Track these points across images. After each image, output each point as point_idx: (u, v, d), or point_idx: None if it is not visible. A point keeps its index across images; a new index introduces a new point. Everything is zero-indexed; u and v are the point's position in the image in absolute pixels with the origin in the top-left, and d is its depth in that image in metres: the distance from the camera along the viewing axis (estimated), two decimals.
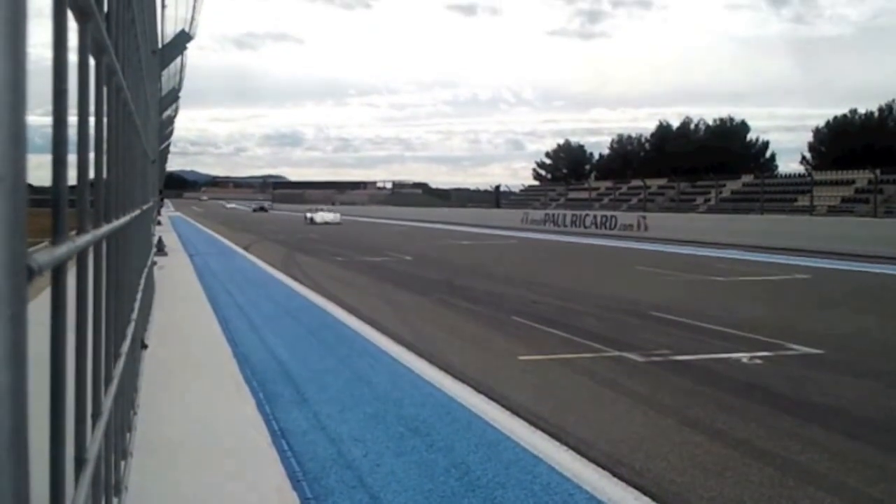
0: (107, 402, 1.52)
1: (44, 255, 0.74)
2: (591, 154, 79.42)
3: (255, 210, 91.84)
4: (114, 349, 1.85)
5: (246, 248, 23.69)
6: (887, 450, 4.82)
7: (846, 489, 4.19)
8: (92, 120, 1.27)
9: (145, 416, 4.33)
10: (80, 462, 1.19)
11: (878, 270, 17.24)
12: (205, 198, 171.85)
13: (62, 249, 0.85)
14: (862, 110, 58.21)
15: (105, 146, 1.51)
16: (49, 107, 0.88)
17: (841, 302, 12.76)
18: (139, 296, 4.29)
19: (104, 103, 1.46)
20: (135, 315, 3.38)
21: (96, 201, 1.46)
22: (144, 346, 5.71)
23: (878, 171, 33.25)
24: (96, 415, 1.44)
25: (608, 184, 58.52)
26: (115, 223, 1.81)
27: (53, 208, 0.87)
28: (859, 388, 6.43)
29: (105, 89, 1.46)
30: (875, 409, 5.73)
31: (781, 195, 39.98)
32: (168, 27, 9.08)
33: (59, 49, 0.88)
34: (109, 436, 1.57)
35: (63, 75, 0.88)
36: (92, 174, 1.32)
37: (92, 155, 1.30)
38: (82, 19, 1.11)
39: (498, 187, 59.19)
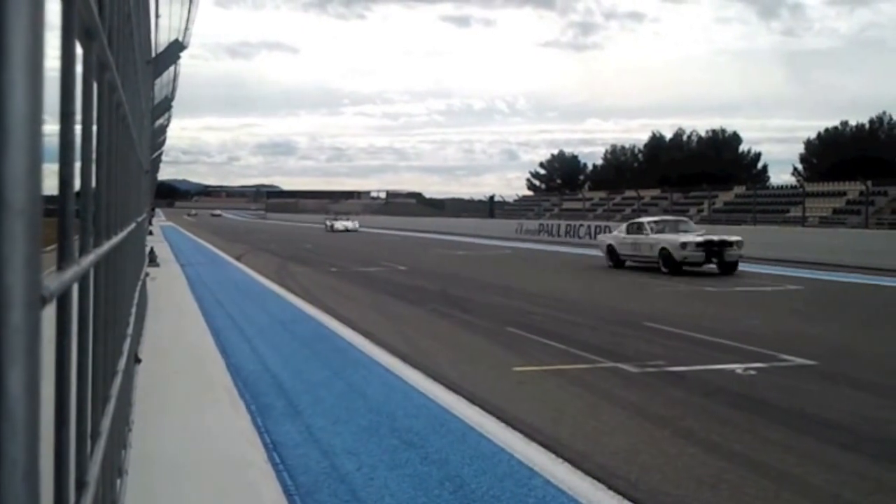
0: (105, 422, 1.51)
1: (53, 281, 0.74)
2: (585, 164, 79.81)
3: None
4: (111, 366, 1.85)
5: (238, 259, 23.67)
6: (882, 461, 4.83)
7: (842, 501, 4.20)
8: (94, 139, 1.27)
9: (140, 432, 4.31)
10: (80, 485, 1.19)
11: (869, 282, 17.31)
12: (218, 212, 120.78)
13: (69, 274, 0.85)
14: (853, 122, 58.74)
15: (106, 163, 1.51)
16: (52, 123, 0.88)
17: (833, 313, 12.81)
18: (134, 310, 4.28)
19: (105, 120, 1.46)
20: (130, 330, 3.38)
21: (97, 219, 1.45)
22: (138, 361, 5.69)
23: (869, 183, 33.44)
24: (95, 435, 1.44)
25: (602, 194, 58.75)
26: (115, 239, 1.81)
27: (60, 231, 0.87)
28: (853, 399, 6.45)
29: (106, 106, 1.47)
30: (869, 421, 5.74)
31: (773, 206, 40.20)
32: (162, 36, 9.08)
33: (66, 72, 0.89)
34: (106, 454, 1.56)
35: (71, 97, 0.89)
36: (92, 193, 1.32)
37: (93, 172, 1.31)
38: (88, 39, 1.11)
39: (492, 197, 59.20)
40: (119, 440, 2.62)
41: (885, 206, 36.53)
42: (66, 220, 0.88)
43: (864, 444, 5.19)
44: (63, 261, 0.86)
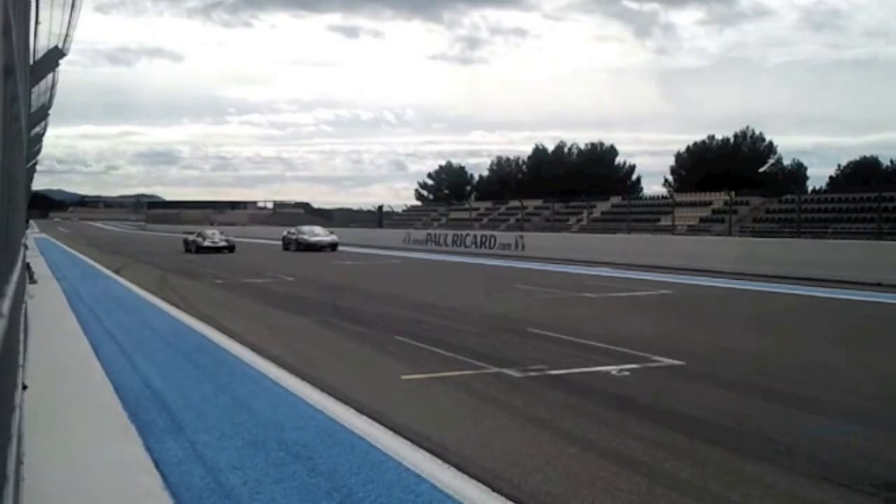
0: (10, 465, 1.45)
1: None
2: (472, 175, 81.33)
3: None
4: (9, 402, 1.76)
5: (117, 272, 22.60)
6: (744, 455, 5.17)
7: (707, 493, 4.49)
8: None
9: (31, 463, 4.08)
10: None
11: (733, 286, 18.50)
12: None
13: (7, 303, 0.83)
14: (719, 136, 62.75)
15: (10, 189, 1.46)
16: None
17: (700, 316, 13.64)
18: (21, 336, 4.06)
19: (10, 148, 1.42)
20: (22, 359, 3.21)
21: (11, 243, 1.41)
22: (24, 387, 5.37)
23: (733, 194, 35.98)
24: (3, 479, 1.38)
25: (488, 204, 60.02)
26: (20, 261, 1.74)
27: None
28: (718, 397, 6.91)
29: (10, 134, 1.42)
30: (733, 417, 6.17)
31: (647, 215, 42.30)
32: (41, 42, 8.58)
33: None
34: (14, 497, 1.50)
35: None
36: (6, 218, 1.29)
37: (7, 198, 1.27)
38: (6, 76, 1.10)
39: (381, 207, 59.15)
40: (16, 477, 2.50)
41: (748, 215, 39.19)
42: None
43: (727, 438, 5.58)
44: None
